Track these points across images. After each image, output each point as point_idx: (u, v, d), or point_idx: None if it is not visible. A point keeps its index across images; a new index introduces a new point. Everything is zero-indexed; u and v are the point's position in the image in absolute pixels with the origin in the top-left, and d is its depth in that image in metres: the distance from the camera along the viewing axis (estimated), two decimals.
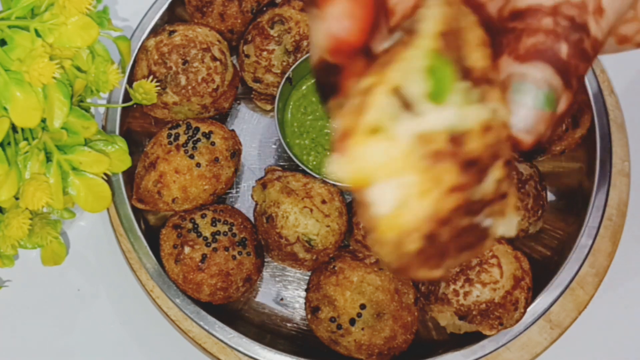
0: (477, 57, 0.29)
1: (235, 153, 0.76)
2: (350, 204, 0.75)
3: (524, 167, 0.72)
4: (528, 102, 0.31)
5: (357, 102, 0.29)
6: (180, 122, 0.75)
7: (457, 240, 0.30)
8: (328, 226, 0.70)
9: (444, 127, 0.28)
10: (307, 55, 0.78)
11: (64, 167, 0.67)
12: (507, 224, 0.32)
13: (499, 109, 0.30)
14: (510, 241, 0.72)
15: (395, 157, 0.28)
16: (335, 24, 0.31)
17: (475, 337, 0.70)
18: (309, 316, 0.72)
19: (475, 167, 0.29)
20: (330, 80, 0.32)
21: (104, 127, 0.78)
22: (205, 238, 0.71)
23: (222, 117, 0.83)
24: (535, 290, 0.71)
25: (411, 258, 0.29)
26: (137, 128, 0.82)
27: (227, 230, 0.72)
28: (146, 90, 0.73)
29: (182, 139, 0.73)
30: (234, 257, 0.71)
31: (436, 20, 0.29)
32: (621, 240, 0.77)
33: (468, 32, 0.30)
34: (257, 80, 0.80)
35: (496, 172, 0.30)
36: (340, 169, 0.29)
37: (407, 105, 0.28)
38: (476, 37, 0.30)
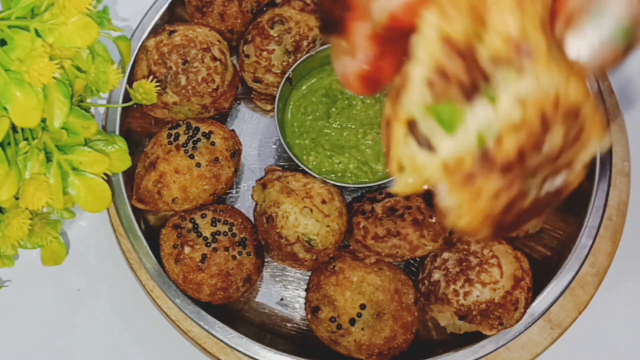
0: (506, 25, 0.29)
1: (235, 153, 0.76)
2: (350, 204, 0.75)
3: None
4: (602, 29, 0.28)
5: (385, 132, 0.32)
6: (180, 122, 0.75)
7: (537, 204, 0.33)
8: (328, 226, 0.70)
9: (480, 130, 0.30)
10: (307, 55, 0.78)
11: (64, 167, 0.67)
12: (593, 147, 0.33)
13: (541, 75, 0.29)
14: (510, 241, 0.72)
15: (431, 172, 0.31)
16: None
17: (475, 337, 0.70)
18: (309, 316, 0.72)
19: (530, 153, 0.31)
20: (334, 15, 0.31)
21: (104, 127, 0.78)
22: (205, 238, 0.71)
23: (222, 117, 0.83)
24: (535, 290, 0.71)
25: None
26: (137, 128, 0.82)
27: (227, 230, 0.72)
28: (146, 90, 0.73)
29: (182, 139, 0.73)
30: (234, 257, 0.71)
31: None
32: (621, 240, 0.77)
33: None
34: (257, 80, 0.80)
35: (555, 135, 0.31)
36: (401, 186, 0.33)
37: (422, 140, 0.31)
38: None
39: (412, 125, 0.30)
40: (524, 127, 0.30)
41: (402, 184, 0.33)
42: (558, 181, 0.33)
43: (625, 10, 0.28)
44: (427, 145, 0.30)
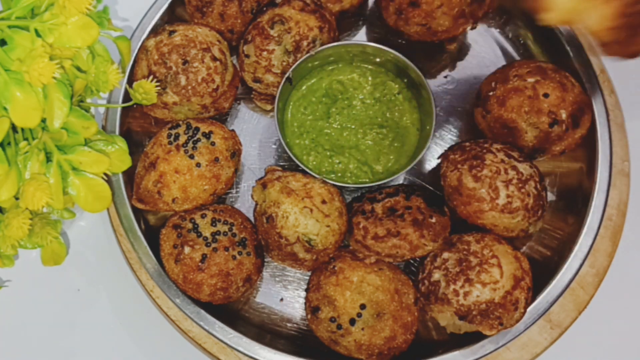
0: None
1: (235, 153, 0.76)
2: (350, 204, 0.75)
3: (524, 167, 0.72)
4: None
5: None
6: (180, 122, 0.75)
7: None
8: (328, 226, 0.70)
9: None
10: (307, 55, 0.78)
11: (64, 167, 0.67)
12: None
13: None
14: (510, 241, 0.72)
15: None
16: None
17: (475, 337, 0.70)
18: (309, 316, 0.72)
19: None
20: None
21: (104, 127, 0.78)
22: (205, 238, 0.71)
23: (222, 117, 0.83)
24: (535, 290, 0.71)
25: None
26: (137, 128, 0.82)
27: (227, 230, 0.72)
28: (146, 90, 0.73)
29: (182, 139, 0.73)
30: (234, 257, 0.71)
31: None
32: (621, 240, 0.77)
33: None
34: (257, 80, 0.80)
35: None
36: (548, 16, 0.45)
37: None
38: None
39: None
40: None
41: (554, 18, 0.46)
42: None
43: None
44: None
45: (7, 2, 0.65)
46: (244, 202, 0.81)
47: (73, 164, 0.68)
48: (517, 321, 0.68)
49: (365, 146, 0.78)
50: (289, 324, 0.76)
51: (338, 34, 0.82)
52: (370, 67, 0.81)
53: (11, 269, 0.74)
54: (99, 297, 0.80)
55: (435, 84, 0.85)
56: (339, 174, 0.77)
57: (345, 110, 0.80)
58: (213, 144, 0.74)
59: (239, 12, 0.81)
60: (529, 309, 0.70)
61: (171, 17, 0.84)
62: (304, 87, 0.81)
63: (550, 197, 0.80)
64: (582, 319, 0.74)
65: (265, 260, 0.77)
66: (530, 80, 0.76)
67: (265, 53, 0.78)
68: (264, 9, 0.81)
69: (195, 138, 0.73)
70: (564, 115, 0.75)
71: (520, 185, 0.71)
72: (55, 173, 0.66)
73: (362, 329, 0.68)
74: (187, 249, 0.70)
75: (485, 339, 0.70)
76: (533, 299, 0.71)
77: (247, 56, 0.79)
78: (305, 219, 0.69)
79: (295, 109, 0.80)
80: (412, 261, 0.77)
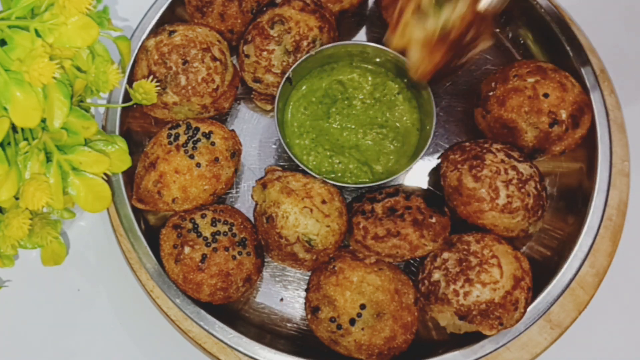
0: None
1: (235, 153, 0.76)
2: (350, 204, 0.75)
3: (524, 167, 0.72)
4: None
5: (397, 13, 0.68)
6: (180, 122, 0.75)
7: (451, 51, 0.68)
8: (328, 226, 0.70)
9: (441, 22, 0.65)
10: (307, 55, 0.78)
11: (64, 167, 0.67)
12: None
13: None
14: (510, 241, 0.72)
15: (417, 37, 0.67)
16: None
17: (475, 337, 0.70)
18: (309, 316, 0.72)
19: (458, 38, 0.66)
20: None
21: (104, 127, 0.78)
22: (205, 238, 0.71)
23: (222, 117, 0.83)
24: (535, 290, 0.71)
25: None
26: (137, 128, 0.82)
27: (227, 230, 0.72)
28: (146, 90, 0.73)
29: (182, 139, 0.73)
30: (234, 257, 0.71)
31: None
32: (621, 240, 0.77)
33: None
34: (257, 80, 0.80)
35: (471, 32, 0.66)
36: (392, 39, 0.70)
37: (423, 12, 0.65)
38: None
39: (418, 7, 0.65)
40: (463, 20, 0.64)
41: (397, 43, 0.69)
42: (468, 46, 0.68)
43: None
44: (422, 19, 0.65)
45: (7, 2, 0.65)
46: (244, 202, 0.81)
47: (73, 164, 0.68)
48: (517, 321, 0.68)
49: (365, 146, 0.78)
50: (289, 324, 0.76)
51: (338, 34, 0.82)
52: (370, 67, 0.81)
53: (11, 269, 0.74)
54: (99, 297, 0.80)
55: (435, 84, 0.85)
56: (339, 174, 0.77)
57: (345, 110, 0.80)
58: (213, 144, 0.74)
59: (239, 12, 0.81)
60: (529, 309, 0.70)
61: (171, 17, 0.84)
62: (304, 87, 0.81)
63: (550, 197, 0.80)
64: (582, 319, 0.74)
65: (265, 260, 0.77)
66: (530, 80, 0.76)
67: (265, 53, 0.78)
68: (264, 9, 0.81)
69: (195, 138, 0.73)
70: (564, 115, 0.75)
71: (520, 185, 0.71)
72: (55, 173, 0.66)
73: (362, 329, 0.68)
74: (187, 249, 0.70)
75: (485, 339, 0.70)
76: (533, 299, 0.71)
77: (247, 56, 0.79)
78: (305, 219, 0.69)
79: (295, 109, 0.80)
80: (412, 261, 0.77)
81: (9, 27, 0.63)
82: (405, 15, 0.67)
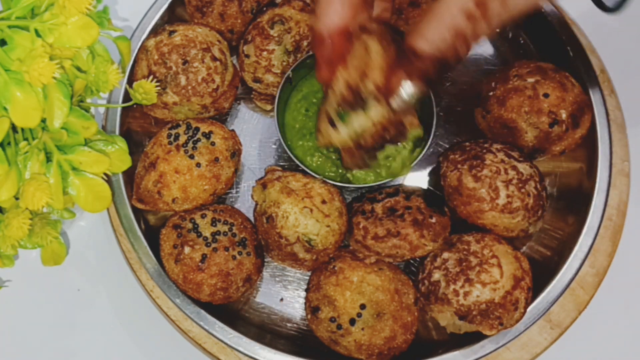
0: (375, 78, 0.64)
1: (235, 153, 0.76)
2: (350, 204, 0.75)
3: (524, 167, 0.72)
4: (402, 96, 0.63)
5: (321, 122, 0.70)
6: (180, 122, 0.75)
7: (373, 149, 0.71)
8: (328, 226, 0.70)
9: (357, 127, 0.67)
10: (307, 55, 0.78)
11: (64, 167, 0.67)
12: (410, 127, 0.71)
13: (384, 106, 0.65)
14: (510, 241, 0.72)
15: (337, 139, 0.68)
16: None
17: (475, 337, 0.70)
18: (309, 316, 0.72)
19: (374, 142, 0.69)
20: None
21: (104, 127, 0.78)
22: (205, 238, 0.71)
23: (222, 117, 0.83)
24: (535, 290, 0.71)
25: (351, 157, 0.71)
26: (137, 128, 0.82)
27: (227, 230, 0.72)
28: (146, 90, 0.73)
29: (182, 139, 0.73)
30: (234, 257, 0.71)
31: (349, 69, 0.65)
32: (621, 240, 0.77)
33: (373, 62, 0.64)
34: (257, 80, 0.80)
35: (391, 131, 0.69)
36: (320, 143, 0.70)
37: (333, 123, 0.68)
38: (378, 63, 0.64)
39: (328, 117, 0.68)
40: (377, 125, 0.67)
41: (321, 142, 0.70)
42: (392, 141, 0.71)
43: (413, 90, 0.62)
44: (333, 126, 0.67)
45: (7, 2, 0.65)
46: (244, 202, 0.81)
47: (73, 164, 0.68)
48: (517, 321, 0.68)
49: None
50: (289, 324, 0.76)
51: None
52: None
53: (11, 269, 0.74)
54: (99, 297, 0.80)
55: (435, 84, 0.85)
56: (343, 174, 0.77)
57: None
58: (213, 144, 0.74)
59: (239, 12, 0.81)
60: (529, 309, 0.70)
61: (171, 17, 0.84)
62: (304, 88, 0.81)
63: (550, 197, 0.80)
64: (582, 319, 0.74)
65: (265, 260, 0.77)
66: (530, 80, 0.76)
67: (265, 53, 0.78)
68: (264, 9, 0.81)
69: (195, 138, 0.73)
70: (564, 115, 0.75)
71: (520, 185, 0.71)
72: (55, 173, 0.66)
73: (362, 329, 0.68)
74: (187, 249, 0.70)
75: (485, 339, 0.70)
76: (533, 299, 0.71)
77: (247, 56, 0.79)
78: (305, 219, 0.69)
79: (296, 110, 0.80)
80: (412, 261, 0.77)
81: (9, 27, 0.63)
82: (322, 124, 0.68)
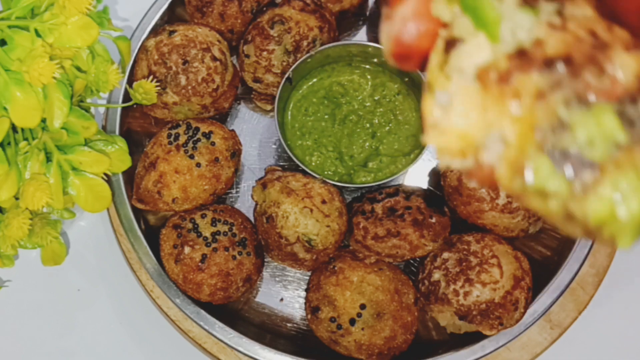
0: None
1: (235, 153, 0.76)
2: (350, 204, 0.75)
3: None
4: None
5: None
6: (180, 122, 0.75)
7: None
8: (328, 226, 0.70)
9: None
10: (307, 55, 0.78)
11: (64, 167, 0.67)
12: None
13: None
14: (510, 241, 0.72)
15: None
16: (400, 26, 0.29)
17: (475, 337, 0.70)
18: (309, 316, 0.72)
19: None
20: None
21: (104, 127, 0.78)
22: (205, 238, 0.71)
23: (222, 117, 0.83)
24: (535, 290, 0.71)
25: None
26: (137, 128, 0.82)
27: (227, 230, 0.72)
28: (146, 90, 0.73)
29: (182, 139, 0.73)
30: (234, 257, 0.71)
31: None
32: None
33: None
34: (257, 80, 0.80)
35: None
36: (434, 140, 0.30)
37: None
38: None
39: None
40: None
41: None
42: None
43: None
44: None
45: (7, 2, 0.65)
46: (244, 202, 0.81)
47: (73, 164, 0.68)
48: (517, 321, 0.68)
49: (366, 146, 0.78)
50: (289, 324, 0.76)
51: (338, 34, 0.82)
52: (370, 67, 0.81)
53: (11, 269, 0.74)
54: (99, 297, 0.80)
55: None
56: (343, 173, 0.77)
57: (345, 111, 0.79)
58: (213, 144, 0.74)
59: (239, 12, 0.81)
60: (529, 309, 0.70)
61: (171, 17, 0.84)
62: (304, 88, 0.81)
63: None
64: (582, 319, 0.74)
65: (265, 260, 0.77)
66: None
67: (265, 53, 0.78)
68: (264, 9, 0.81)
69: (195, 138, 0.73)
70: None
71: None
72: (55, 173, 0.66)
73: (362, 329, 0.68)
74: (187, 249, 0.70)
75: (485, 339, 0.70)
76: (533, 299, 0.71)
77: (247, 56, 0.79)
78: (305, 219, 0.69)
79: (296, 110, 0.80)
80: (412, 261, 0.77)
81: (9, 27, 0.63)
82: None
